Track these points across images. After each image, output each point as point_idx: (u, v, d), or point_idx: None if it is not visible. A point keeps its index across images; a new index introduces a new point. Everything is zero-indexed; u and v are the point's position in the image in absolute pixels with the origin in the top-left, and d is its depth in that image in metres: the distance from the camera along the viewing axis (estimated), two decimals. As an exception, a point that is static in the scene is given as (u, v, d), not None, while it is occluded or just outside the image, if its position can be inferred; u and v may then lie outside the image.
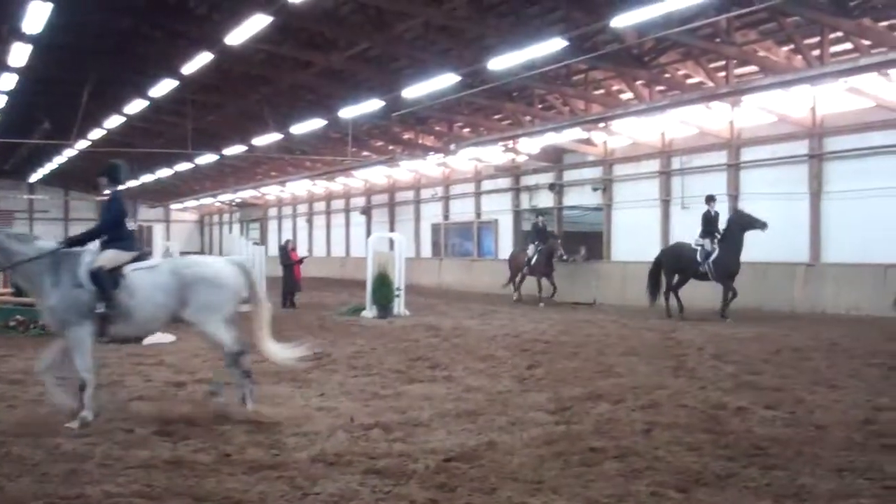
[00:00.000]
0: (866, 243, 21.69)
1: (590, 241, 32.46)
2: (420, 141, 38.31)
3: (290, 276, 26.30)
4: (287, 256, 26.75)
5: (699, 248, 21.67)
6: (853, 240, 21.91)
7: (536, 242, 28.28)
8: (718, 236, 21.45)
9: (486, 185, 38.51)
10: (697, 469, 7.04)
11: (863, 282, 21.32)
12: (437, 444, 7.94)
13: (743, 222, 21.27)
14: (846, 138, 23.02)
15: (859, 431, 8.33)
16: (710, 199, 22.19)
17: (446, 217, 41.55)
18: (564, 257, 27.78)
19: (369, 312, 22.09)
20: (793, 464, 7.19)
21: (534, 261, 28.17)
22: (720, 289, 21.63)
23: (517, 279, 29.27)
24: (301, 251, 39.73)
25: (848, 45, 21.75)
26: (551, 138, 30.40)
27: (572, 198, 33.51)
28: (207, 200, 64.58)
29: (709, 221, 21.83)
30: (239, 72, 31.44)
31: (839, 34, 20.96)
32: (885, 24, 20.33)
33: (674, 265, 22.35)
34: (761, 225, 20.82)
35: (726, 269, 21.23)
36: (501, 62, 22.07)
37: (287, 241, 28.91)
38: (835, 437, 8.10)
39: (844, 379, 11.49)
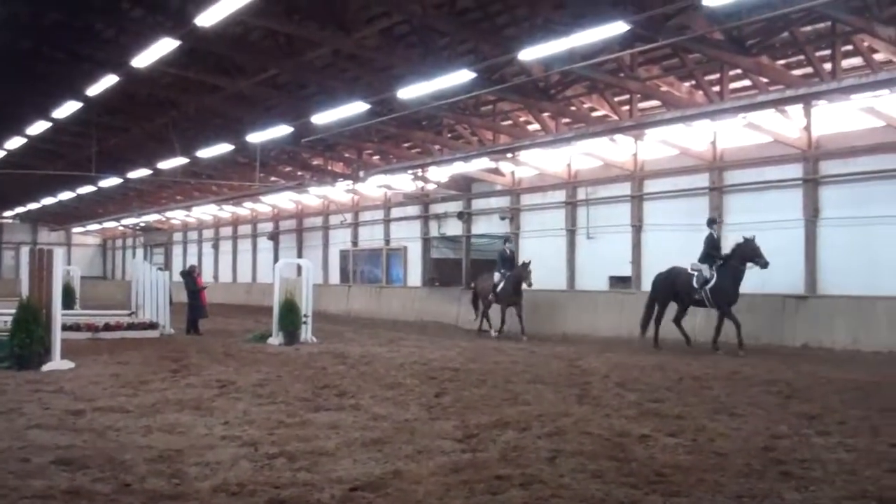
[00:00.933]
0: (764, 274, 22.30)
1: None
2: (329, 167, 38.24)
3: (196, 302, 25.90)
4: (193, 282, 26.34)
5: (696, 273, 20.85)
6: (752, 270, 22.53)
7: (503, 270, 26.11)
8: (720, 262, 20.56)
9: (396, 212, 38.63)
10: (601, 496, 7.14)
11: (762, 312, 21.88)
12: (342, 473, 7.90)
13: (746, 253, 20.17)
14: (744, 172, 23.78)
15: (758, 458, 8.54)
16: (711, 223, 21.56)
17: (355, 244, 41.50)
18: (530, 286, 25.17)
19: (275, 339, 21.87)
20: (694, 490, 7.34)
21: (500, 288, 26.01)
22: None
23: (482, 308, 27.07)
24: (206, 277, 39.18)
25: (747, 82, 22.53)
26: (460, 167, 30.68)
27: (480, 226, 33.84)
28: (110, 224, 63.30)
29: (713, 245, 20.98)
30: (145, 95, 31.03)
31: (738, 71, 21.68)
32: (782, 62, 21.12)
33: (668, 291, 21.53)
34: (763, 263, 19.91)
35: (724, 297, 20.37)
36: (411, 91, 22.25)
37: (192, 267, 28.48)
38: (735, 465, 8.29)
39: (744, 406, 11.79)
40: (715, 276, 20.40)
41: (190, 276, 26.80)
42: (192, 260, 51.89)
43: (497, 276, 26.16)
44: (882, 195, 20.68)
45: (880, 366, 17.20)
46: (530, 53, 18.80)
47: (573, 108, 25.98)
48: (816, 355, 19.05)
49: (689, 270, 20.96)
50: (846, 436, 9.66)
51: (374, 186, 36.98)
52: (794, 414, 11.18)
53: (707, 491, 7.34)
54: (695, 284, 20.70)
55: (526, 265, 25.27)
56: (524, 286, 25.19)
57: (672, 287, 21.34)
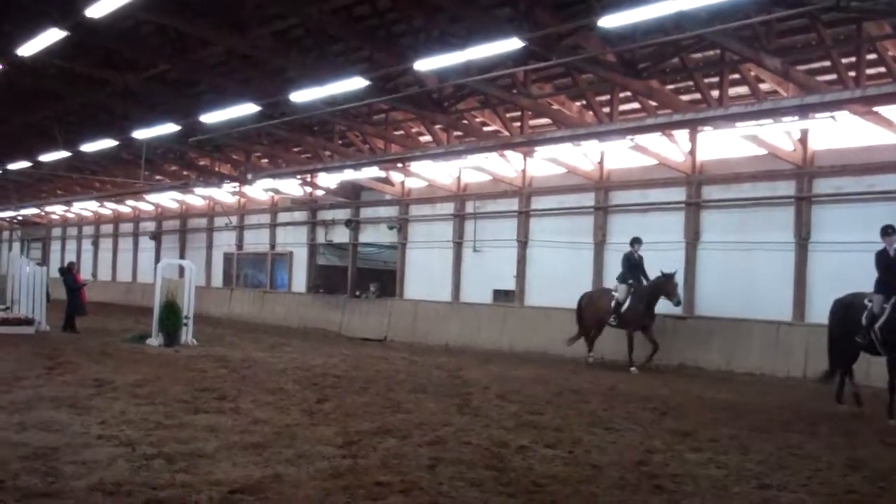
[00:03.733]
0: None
1: (383, 278, 32.77)
2: (216, 168, 37.65)
3: (75, 300, 25.14)
4: (72, 279, 25.57)
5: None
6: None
7: (630, 281, 21.08)
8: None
9: (283, 216, 38.25)
10: (479, 504, 7.23)
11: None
12: (221, 476, 7.80)
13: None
14: (629, 193, 24.33)
15: (633, 472, 8.76)
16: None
17: (240, 247, 40.91)
18: (678, 304, 20.56)
19: (155, 340, 21.41)
20: (570, 501, 7.50)
21: (627, 307, 20.87)
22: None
23: (593, 332, 22.15)
24: (86, 274, 38.08)
25: (636, 105, 23.07)
26: (350, 175, 30.57)
27: (368, 235, 33.77)
28: (-15, 217, 61.01)
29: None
30: (29, 85, 29.99)
31: (628, 94, 22.20)
32: (671, 87, 21.71)
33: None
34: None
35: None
36: (303, 96, 22.10)
37: (70, 264, 27.64)
38: (610, 477, 8.49)
39: (621, 421, 12.08)
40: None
41: (69, 272, 26.05)
42: (71, 256, 50.22)
43: (621, 289, 21.15)
44: (761, 222, 21.40)
45: (752, 387, 17.87)
46: (425, 64, 18.89)
47: (465, 122, 26.18)
48: (692, 374, 19.64)
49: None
50: (717, 452, 10.00)
51: (262, 190, 36.51)
52: (668, 430, 11.51)
53: (582, 502, 7.51)
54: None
55: (670, 276, 20.37)
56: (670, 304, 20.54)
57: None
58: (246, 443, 9.35)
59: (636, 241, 21.33)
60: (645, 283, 20.92)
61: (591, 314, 21.85)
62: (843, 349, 14.42)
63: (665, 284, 20.24)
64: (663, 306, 21.32)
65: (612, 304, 21.01)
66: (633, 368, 19.91)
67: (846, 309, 14.38)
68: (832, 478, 8.90)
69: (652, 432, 11.27)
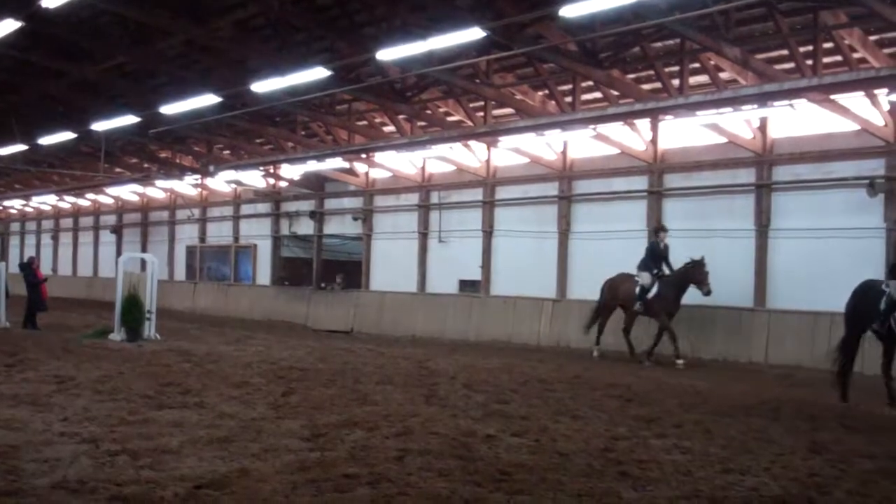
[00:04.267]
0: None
1: (348, 270, 32.71)
2: (177, 160, 37.37)
3: (36, 295, 24.79)
4: (33, 274, 25.23)
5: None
6: (596, 278, 23.16)
7: (655, 271, 20.35)
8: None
9: (246, 209, 38.03)
10: (447, 495, 7.22)
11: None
12: (186, 471, 7.74)
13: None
14: (592, 182, 24.43)
15: (598, 459, 8.81)
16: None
17: (202, 240, 40.61)
18: (708, 293, 19.60)
19: (117, 335, 21.18)
20: (537, 489, 7.52)
21: (654, 293, 20.21)
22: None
23: (601, 319, 21.52)
24: (45, 269, 37.57)
25: (598, 94, 23.16)
26: (313, 166, 30.44)
27: (333, 226, 33.67)
28: (-58, 211, 60.12)
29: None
30: (-17, 76, 29.61)
31: (591, 83, 22.28)
32: (632, 76, 21.83)
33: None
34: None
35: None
36: (264, 86, 21.98)
37: (31, 259, 27.29)
38: (576, 464, 8.53)
39: (586, 409, 12.14)
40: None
41: (29, 267, 25.69)
42: (30, 251, 49.56)
43: (646, 276, 20.41)
44: (721, 209, 21.60)
45: (715, 373, 18.03)
46: (387, 54, 18.85)
47: (429, 112, 26.16)
48: (657, 361, 19.75)
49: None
50: (682, 438, 10.08)
51: (224, 182, 36.28)
52: (633, 417, 11.58)
53: (549, 489, 7.52)
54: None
55: (700, 264, 19.62)
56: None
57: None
58: (211, 437, 9.29)
59: (661, 230, 20.82)
60: (668, 271, 20.31)
61: (613, 298, 21.22)
62: (854, 338, 13.98)
63: (694, 272, 19.62)
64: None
65: (637, 289, 20.40)
66: (679, 361, 19.20)
67: (862, 295, 13.72)
68: (794, 461, 8.99)
69: (617, 419, 11.34)
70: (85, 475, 7.45)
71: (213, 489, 7.18)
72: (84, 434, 9.21)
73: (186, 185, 38.86)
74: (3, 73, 28.45)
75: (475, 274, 27.19)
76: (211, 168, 33.59)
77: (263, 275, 36.37)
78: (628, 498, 7.37)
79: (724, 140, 20.93)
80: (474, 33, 16.99)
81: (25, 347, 18.21)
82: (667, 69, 21.07)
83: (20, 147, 34.32)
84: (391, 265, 30.13)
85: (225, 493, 7.10)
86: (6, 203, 53.08)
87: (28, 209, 55.03)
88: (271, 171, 33.40)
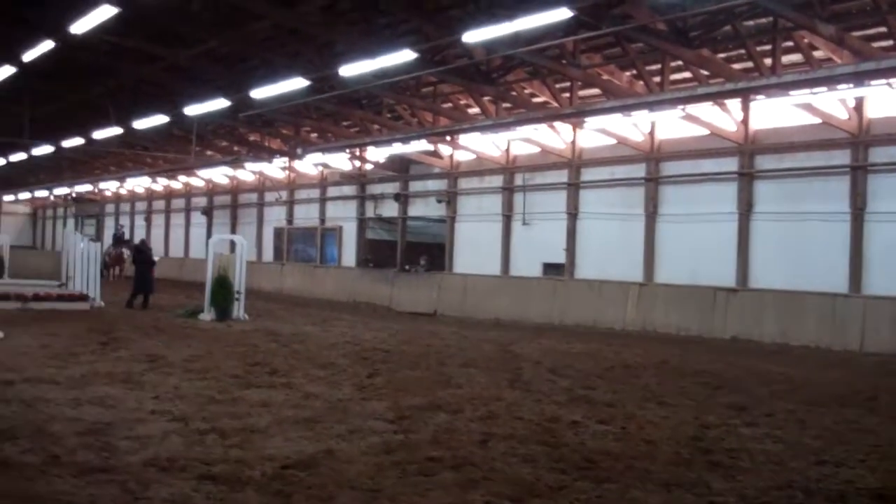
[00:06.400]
0: (696, 266, 22.65)
1: (432, 252, 32.77)
2: (266, 143, 37.84)
3: (149, 276, 25.29)
4: (149, 255, 25.82)
5: None
6: (684, 262, 22.84)
7: None
8: None
9: (332, 191, 38.36)
10: (531, 480, 7.18)
11: (692, 303, 22.20)
12: (274, 451, 7.83)
13: None
14: (680, 163, 24.02)
15: (687, 447, 8.66)
16: None
17: (290, 221, 41.14)
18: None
19: (207, 315, 21.60)
20: (623, 477, 7.41)
21: None
22: None
23: None
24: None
25: (687, 74, 22.73)
26: (398, 148, 30.56)
27: (417, 208, 33.77)
28: (42, 193, 61.90)
29: None
30: (82, 62, 30.24)
31: (679, 63, 21.87)
32: (722, 55, 21.36)
33: None
34: None
35: None
36: (352, 69, 22.06)
37: (143, 240, 27.95)
38: (664, 453, 8.39)
39: (674, 396, 11.94)
40: None
41: (144, 248, 26.39)
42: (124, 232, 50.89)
43: None
44: (814, 192, 21.04)
45: (808, 360, 17.56)
46: (473, 36, 18.74)
47: (514, 94, 26.01)
48: (746, 348, 19.38)
49: None
50: (773, 427, 9.85)
51: (311, 164, 36.69)
52: (722, 405, 11.36)
53: (636, 478, 7.41)
54: None
55: None
56: None
57: None
58: (298, 417, 9.39)
59: None
60: None
61: None
62: None
63: None
64: (714, 277, 21.21)
65: None
66: None
67: None
68: (892, 452, 8.73)
69: (706, 407, 11.13)
70: (175, 453, 7.59)
71: (300, 469, 7.25)
72: (175, 412, 9.39)
73: (275, 168, 39.37)
74: (101, 58, 29.07)
75: (559, 257, 27.00)
76: (299, 151, 33.98)
77: (348, 256, 36.69)
78: (718, 488, 7.22)
79: (817, 120, 20.35)
80: (561, 13, 16.78)
81: (119, 327, 18.68)
82: (759, 48, 20.57)
83: (116, 130, 35.10)
84: (475, 247, 30.10)
85: (311, 473, 7.17)
86: (101, 185, 54.40)
87: (122, 191, 56.39)
88: (357, 153, 33.60)
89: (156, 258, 27.02)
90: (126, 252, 36.94)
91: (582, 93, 25.43)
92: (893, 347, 18.28)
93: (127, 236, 28.16)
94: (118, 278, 36.65)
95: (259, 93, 25.89)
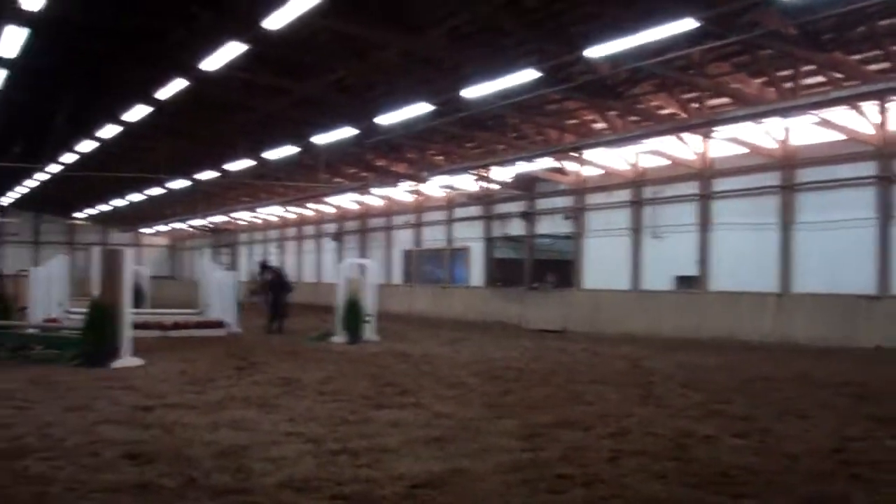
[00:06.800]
0: (835, 274, 21.90)
1: (560, 269, 32.58)
2: (392, 168, 38.36)
3: (283, 300, 26.14)
4: (284, 280, 26.79)
5: None
6: (822, 270, 22.10)
7: None
8: None
9: (458, 212, 38.62)
10: (664, 497, 7.01)
11: (832, 312, 21.46)
12: (404, 471, 7.86)
13: None
14: (816, 170, 23.30)
15: (829, 461, 8.34)
16: None
17: (418, 244, 41.56)
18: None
19: (339, 338, 21.98)
20: (763, 493, 7.17)
21: None
22: None
23: None
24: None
25: (820, 78, 22.01)
26: (524, 167, 30.54)
27: (544, 226, 33.67)
28: (178, 225, 64.29)
29: None
30: (214, 98, 31.34)
31: (812, 67, 21.23)
32: (856, 57, 20.61)
33: None
34: None
35: None
36: (475, 91, 22.19)
37: (278, 267, 28.89)
38: (805, 467, 8.09)
39: (814, 409, 11.51)
40: None
41: (280, 274, 27.30)
42: (257, 260, 52.33)
43: None
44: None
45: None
46: (597, 51, 18.62)
47: (640, 106, 25.68)
48: (890, 357, 18.56)
49: None
50: (921, 440, 9.39)
51: (437, 187, 37.02)
52: (866, 416, 10.89)
53: (776, 493, 7.16)
54: None
55: None
56: None
57: None
58: (428, 437, 9.41)
59: None
60: None
61: None
62: None
63: None
64: (854, 284, 20.45)
65: None
66: None
67: None
68: None
69: (849, 419, 10.69)
70: (308, 474, 7.70)
71: (430, 489, 7.25)
72: (308, 434, 9.53)
73: (402, 192, 39.87)
74: (231, 94, 30.02)
75: (692, 270, 26.49)
76: (424, 174, 34.36)
77: (476, 276, 36.81)
78: (861, 502, 6.91)
79: (962, 120, 19.46)
80: (687, 24, 16.52)
81: (255, 351, 19.16)
82: (895, 48, 19.77)
83: (247, 162, 36.17)
84: (603, 263, 29.82)
85: (441, 492, 7.16)
86: (235, 215, 56.11)
87: (255, 220, 58.03)
88: (482, 174, 33.74)
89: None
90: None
91: (711, 102, 24.92)
92: None
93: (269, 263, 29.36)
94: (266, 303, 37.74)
95: (384, 119, 26.31)
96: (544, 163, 29.78)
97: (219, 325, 24.60)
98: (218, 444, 8.88)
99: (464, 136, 32.71)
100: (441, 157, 36.55)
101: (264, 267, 30.54)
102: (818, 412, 11.22)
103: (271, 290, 26.73)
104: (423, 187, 37.82)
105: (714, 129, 23.72)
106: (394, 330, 26.03)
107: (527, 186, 33.81)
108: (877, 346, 19.90)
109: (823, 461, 8.32)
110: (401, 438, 9.33)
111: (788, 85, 21.82)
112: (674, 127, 24.28)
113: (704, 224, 26.21)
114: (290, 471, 7.84)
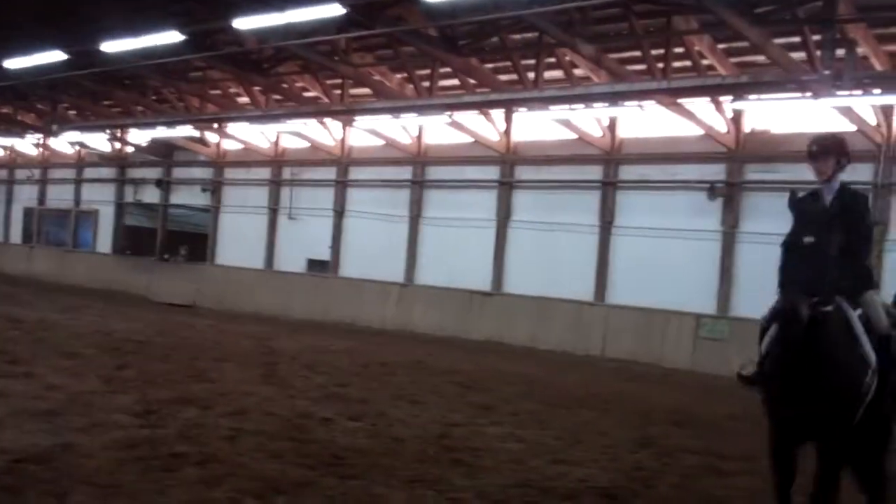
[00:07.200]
0: (455, 269, 23.23)
1: (194, 242, 31.97)
2: (19, 117, 35.66)
3: None
4: None
5: None
6: (443, 265, 23.39)
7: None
8: None
9: (89, 172, 36.71)
10: (277, 476, 7.13)
11: (450, 305, 22.78)
12: (7, 444, 7.38)
13: None
14: (445, 169, 24.59)
15: (433, 445, 8.87)
16: None
17: (42, 202, 38.97)
18: None
19: (-58, 298, 20.18)
20: (369, 474, 7.50)
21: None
22: None
23: None
24: None
25: (455, 81, 23.24)
26: (163, 132, 29.57)
27: (180, 196, 32.86)
28: None
29: None
30: None
31: (449, 70, 22.34)
32: (490, 66, 21.98)
33: None
34: None
35: None
36: (115, 46, 21.24)
37: None
38: (410, 450, 8.56)
39: (425, 395, 12.20)
40: None
41: None
42: None
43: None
44: (569, 204, 22.08)
45: (552, 363, 18.41)
46: (245, 23, 18.50)
47: (285, 86, 25.75)
48: (497, 349, 20.06)
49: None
50: (517, 427, 10.26)
51: (67, 143, 34.93)
52: (470, 404, 11.71)
53: (381, 475, 7.51)
54: None
55: None
56: None
57: None
58: (37, 409, 8.90)
59: None
60: None
61: None
62: None
63: None
64: (472, 281, 21.84)
65: None
66: None
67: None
68: (623, 454, 9.28)
69: (455, 406, 11.45)
70: None
71: (34, 463, 6.89)
72: None
73: (27, 144, 37.22)
74: None
75: (324, 254, 27.01)
76: (54, 127, 32.29)
77: (104, 242, 35.22)
78: (460, 485, 7.43)
79: (574, 136, 21.41)
80: (334, 9, 16.84)
81: None
82: (523, 61, 21.29)
83: None
84: (238, 240, 29.62)
85: (46, 467, 6.82)
86: None
87: None
88: (118, 135, 32.32)
89: None
90: None
91: (353, 91, 25.48)
92: (632, 353, 19.52)
93: None
94: None
95: (13, 63, 24.42)
96: (184, 130, 29.00)
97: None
98: None
99: (100, 93, 31.06)
100: (74, 112, 34.50)
101: None
102: (428, 398, 11.92)
103: None
104: (52, 141, 35.47)
105: (354, 117, 24.30)
106: (8, 293, 24.32)
107: (164, 153, 32.79)
108: (486, 339, 21.41)
109: (429, 445, 8.84)
110: (7, 410, 8.76)
111: (426, 84, 22.86)
112: (316, 111, 24.62)
113: (340, 210, 26.79)
114: None
